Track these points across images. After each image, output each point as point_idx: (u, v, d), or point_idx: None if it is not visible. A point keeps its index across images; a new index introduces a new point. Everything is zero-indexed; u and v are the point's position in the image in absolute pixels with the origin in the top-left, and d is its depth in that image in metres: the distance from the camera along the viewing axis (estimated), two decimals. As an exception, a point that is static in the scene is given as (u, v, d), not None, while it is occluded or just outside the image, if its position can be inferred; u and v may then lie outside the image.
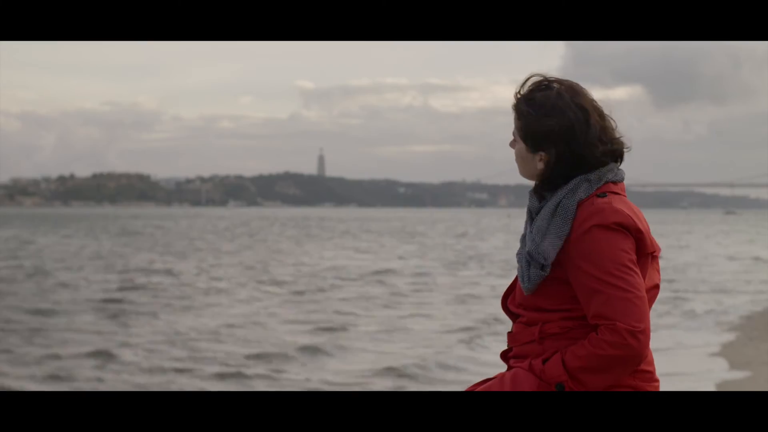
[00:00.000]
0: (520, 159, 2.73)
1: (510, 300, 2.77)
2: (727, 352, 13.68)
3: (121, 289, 24.01)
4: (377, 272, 30.07)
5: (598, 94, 2.72)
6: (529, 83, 2.70)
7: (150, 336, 15.78)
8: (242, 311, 19.45)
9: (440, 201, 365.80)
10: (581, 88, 2.69)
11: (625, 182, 2.71)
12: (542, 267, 2.60)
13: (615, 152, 2.68)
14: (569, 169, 2.65)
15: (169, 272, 29.98)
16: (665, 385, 2.70)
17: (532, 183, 2.74)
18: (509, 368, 2.73)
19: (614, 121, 2.70)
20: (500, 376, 2.70)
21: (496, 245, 51.92)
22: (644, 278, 2.60)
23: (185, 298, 22.10)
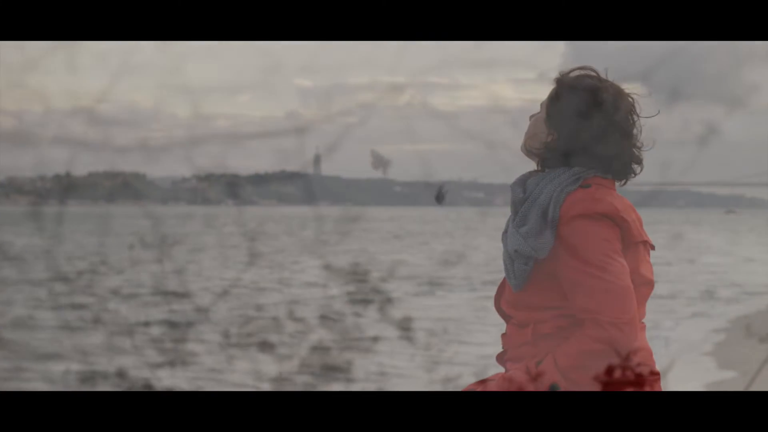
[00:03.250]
0: (532, 128, 2.66)
1: (503, 300, 2.71)
2: (722, 351, 13.68)
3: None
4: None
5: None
6: (581, 71, 2.65)
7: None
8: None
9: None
10: (627, 93, 2.64)
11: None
12: (526, 261, 2.52)
13: (621, 167, 2.60)
14: (570, 155, 2.57)
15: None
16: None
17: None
18: (506, 371, 2.69)
19: (642, 145, 2.63)
20: (498, 378, 2.67)
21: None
22: (639, 269, 2.53)
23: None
